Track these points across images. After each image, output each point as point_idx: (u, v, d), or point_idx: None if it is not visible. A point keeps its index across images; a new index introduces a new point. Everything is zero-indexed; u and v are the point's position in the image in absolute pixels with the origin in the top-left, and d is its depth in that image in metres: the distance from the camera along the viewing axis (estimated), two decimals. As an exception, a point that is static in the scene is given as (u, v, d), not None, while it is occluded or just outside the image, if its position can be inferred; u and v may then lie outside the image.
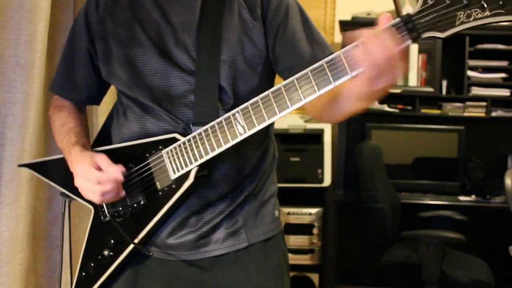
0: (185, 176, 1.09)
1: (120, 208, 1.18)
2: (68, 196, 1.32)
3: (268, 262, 1.21)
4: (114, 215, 1.18)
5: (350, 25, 3.50)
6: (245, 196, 1.20)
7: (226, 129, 1.02)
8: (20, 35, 1.55)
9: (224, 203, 1.17)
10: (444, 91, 3.66)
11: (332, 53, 0.93)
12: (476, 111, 3.62)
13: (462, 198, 3.45)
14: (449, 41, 3.54)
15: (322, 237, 3.37)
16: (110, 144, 1.25)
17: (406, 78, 3.71)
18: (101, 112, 1.94)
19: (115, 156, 1.15)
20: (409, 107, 3.67)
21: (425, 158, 3.70)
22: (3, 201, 1.55)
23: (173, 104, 1.14)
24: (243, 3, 1.17)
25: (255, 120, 0.98)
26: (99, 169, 1.11)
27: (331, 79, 0.89)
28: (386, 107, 3.63)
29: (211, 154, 1.05)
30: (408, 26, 0.82)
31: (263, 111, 0.97)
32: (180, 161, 1.09)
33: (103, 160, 1.12)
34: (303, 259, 3.31)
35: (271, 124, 1.26)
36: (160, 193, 1.13)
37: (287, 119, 3.35)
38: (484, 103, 3.59)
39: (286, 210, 3.29)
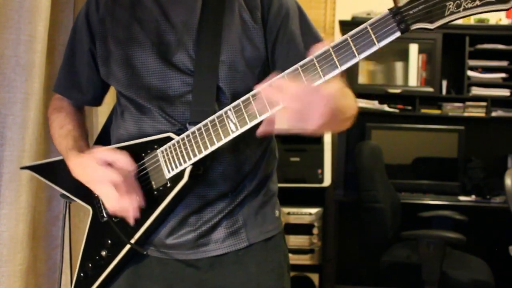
0: (180, 175, 1.09)
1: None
2: (69, 198, 1.32)
3: (269, 262, 1.21)
4: (111, 215, 1.18)
5: (350, 25, 3.49)
6: (245, 195, 1.20)
7: (219, 127, 1.02)
8: (20, 35, 1.55)
9: (224, 202, 1.17)
10: (444, 91, 3.66)
11: None
12: (476, 111, 3.62)
13: (462, 198, 3.45)
14: (449, 41, 3.55)
15: (322, 237, 3.37)
16: (110, 145, 1.25)
17: (406, 78, 3.71)
18: (101, 113, 1.94)
19: None
20: (409, 107, 3.67)
21: (425, 158, 3.70)
22: (3, 201, 1.55)
23: (170, 104, 1.14)
24: (243, 4, 1.17)
25: (246, 118, 0.98)
26: (107, 163, 1.10)
27: (320, 74, 0.88)
28: (386, 107, 3.64)
29: (205, 153, 1.05)
30: (397, 18, 0.81)
31: (255, 108, 0.97)
32: (174, 160, 1.09)
33: (102, 152, 1.11)
34: (303, 259, 3.31)
35: (271, 124, 1.27)
36: (155, 192, 1.13)
37: (287, 119, 3.35)
38: (484, 103, 3.59)
39: (286, 210, 3.28)
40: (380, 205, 2.93)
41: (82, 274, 1.23)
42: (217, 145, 1.03)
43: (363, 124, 3.67)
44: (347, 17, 3.63)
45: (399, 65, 3.72)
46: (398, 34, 0.82)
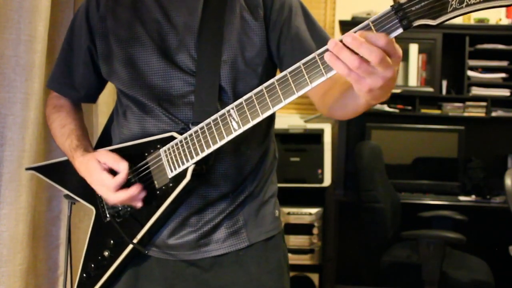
0: (182, 175, 1.09)
1: (120, 208, 1.18)
2: (72, 198, 1.32)
3: (269, 261, 1.21)
4: (114, 215, 1.18)
5: (350, 25, 3.46)
6: (246, 196, 1.20)
7: (221, 126, 1.02)
8: (20, 35, 1.55)
9: (225, 203, 1.17)
10: (444, 91, 3.66)
11: None
12: (476, 111, 3.62)
13: (462, 198, 3.45)
14: (449, 41, 3.55)
15: (322, 237, 3.37)
16: (111, 145, 1.25)
17: (406, 78, 3.71)
18: (101, 113, 1.94)
19: None
20: (409, 107, 3.67)
21: (425, 158, 3.70)
22: (3, 201, 1.55)
23: (172, 104, 1.15)
24: (244, 4, 1.18)
25: (249, 116, 0.98)
26: (109, 168, 1.13)
27: (323, 71, 0.87)
28: (386, 107, 3.63)
29: (207, 151, 1.05)
30: (399, 14, 0.81)
31: (257, 106, 0.96)
32: (177, 159, 1.09)
33: (104, 156, 1.14)
34: (303, 259, 3.31)
35: (272, 124, 1.27)
36: (158, 192, 1.13)
37: (287, 119, 3.36)
38: (484, 103, 3.59)
39: (286, 210, 3.28)
40: (380, 205, 2.93)
41: (84, 275, 1.23)
42: (220, 143, 1.03)
43: (363, 124, 3.67)
44: (347, 17, 3.63)
45: (399, 65, 3.72)
46: (400, 30, 0.81)
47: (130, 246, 1.16)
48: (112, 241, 1.19)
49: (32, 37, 1.57)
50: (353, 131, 3.73)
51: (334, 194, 3.54)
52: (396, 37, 0.83)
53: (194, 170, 1.08)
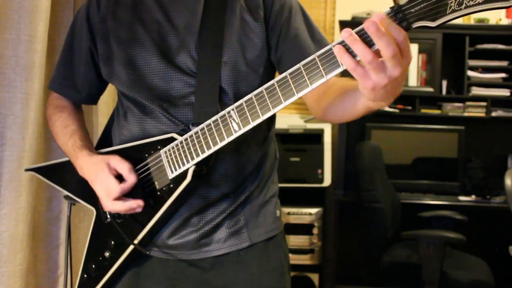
0: (183, 176, 1.09)
1: (121, 210, 1.18)
2: (72, 199, 1.32)
3: (270, 261, 1.22)
4: (114, 216, 1.18)
5: (350, 25, 3.44)
6: (247, 196, 1.20)
7: (222, 127, 1.02)
8: (20, 35, 1.55)
9: (226, 203, 1.17)
10: (444, 91, 3.66)
11: None
12: (476, 111, 3.62)
13: (462, 198, 3.45)
14: (449, 41, 3.55)
15: (322, 237, 3.37)
16: (112, 146, 1.25)
17: (406, 78, 3.71)
18: (101, 113, 1.94)
19: None
20: (409, 107, 3.67)
21: (425, 158, 3.70)
22: (3, 201, 1.55)
23: (173, 105, 1.15)
24: (244, 5, 1.18)
25: (249, 117, 0.98)
26: (116, 175, 1.12)
27: (323, 72, 0.88)
28: (386, 107, 3.63)
29: (208, 152, 1.05)
30: (399, 16, 0.81)
31: (257, 107, 0.96)
32: (177, 160, 1.09)
33: (117, 163, 1.13)
34: (303, 259, 3.31)
35: (272, 125, 1.27)
36: (158, 193, 1.13)
37: (287, 119, 3.36)
38: (484, 103, 3.59)
39: (286, 210, 3.28)
40: (380, 205, 2.93)
41: (85, 276, 1.23)
42: (220, 145, 1.03)
43: (363, 124, 3.67)
44: (347, 17, 3.63)
45: (399, 65, 3.72)
46: None
47: (131, 247, 1.16)
48: (113, 242, 1.19)
49: (32, 37, 1.57)
50: (353, 131, 3.73)
51: (334, 194, 3.54)
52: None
53: (194, 171, 1.08)
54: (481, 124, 3.71)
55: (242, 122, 0.99)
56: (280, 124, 3.06)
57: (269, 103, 0.95)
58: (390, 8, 0.82)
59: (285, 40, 1.16)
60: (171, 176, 1.10)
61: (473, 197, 3.46)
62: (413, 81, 3.69)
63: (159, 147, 1.12)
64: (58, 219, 1.86)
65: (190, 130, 1.09)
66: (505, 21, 3.64)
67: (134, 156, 1.14)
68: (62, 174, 1.32)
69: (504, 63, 3.59)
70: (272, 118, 1.26)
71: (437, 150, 3.68)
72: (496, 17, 3.63)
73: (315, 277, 3.34)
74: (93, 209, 1.25)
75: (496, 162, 3.69)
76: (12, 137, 1.56)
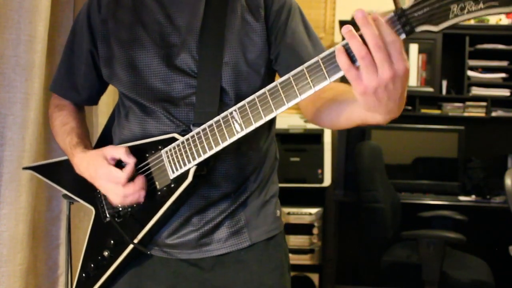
0: (184, 176, 1.09)
1: (120, 209, 1.18)
2: (71, 198, 1.32)
3: (270, 261, 1.22)
4: (114, 215, 1.18)
5: (350, 25, 3.49)
6: (247, 196, 1.20)
7: (224, 128, 1.02)
8: (20, 35, 1.55)
9: (226, 203, 1.18)
10: (444, 91, 3.66)
11: None
12: (476, 111, 3.62)
13: (462, 198, 3.45)
14: (449, 41, 3.55)
15: (322, 237, 3.37)
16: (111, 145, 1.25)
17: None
18: (101, 112, 1.94)
19: None
20: (409, 107, 3.67)
21: (425, 158, 3.70)
22: (3, 201, 1.55)
23: (174, 105, 1.15)
24: (245, 5, 1.18)
25: (252, 118, 0.98)
26: (115, 162, 1.12)
27: (326, 75, 0.88)
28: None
29: (209, 153, 1.05)
30: (402, 20, 0.82)
31: (260, 108, 0.97)
32: (178, 161, 1.09)
33: (113, 151, 1.13)
34: (303, 259, 3.31)
35: (273, 126, 1.27)
36: (159, 192, 1.13)
37: (287, 119, 3.36)
38: (484, 103, 3.59)
39: (286, 210, 3.29)
40: (380, 205, 2.93)
41: (83, 275, 1.23)
42: (222, 145, 1.03)
43: (363, 124, 3.66)
44: (347, 17, 3.63)
45: (399, 65, 3.72)
46: (403, 36, 0.82)
47: (131, 246, 1.16)
48: (112, 241, 1.19)
49: (32, 37, 1.57)
50: (353, 131, 3.73)
51: (334, 194, 3.55)
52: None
53: (195, 171, 1.08)
54: (481, 124, 3.71)
55: (245, 123, 0.99)
56: (280, 124, 3.06)
57: (272, 104, 0.95)
58: (393, 12, 0.82)
59: (282, 39, 1.17)
60: (172, 176, 1.10)
61: (473, 197, 3.46)
62: (413, 81, 3.69)
63: (160, 147, 1.12)
64: (58, 219, 1.86)
65: (191, 130, 1.09)
66: (505, 21, 3.64)
67: (135, 156, 1.15)
68: (61, 173, 1.32)
69: (504, 63, 3.60)
70: (273, 119, 1.26)
71: (437, 150, 3.68)
72: (496, 17, 3.63)
73: (315, 277, 3.34)
74: (92, 208, 1.25)
75: (496, 162, 3.69)
76: (12, 137, 1.56)
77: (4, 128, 1.55)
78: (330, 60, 0.87)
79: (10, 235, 1.56)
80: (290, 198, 3.18)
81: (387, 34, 0.80)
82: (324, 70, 0.88)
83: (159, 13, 1.17)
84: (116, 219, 1.18)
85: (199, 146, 1.06)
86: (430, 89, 3.63)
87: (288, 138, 3.35)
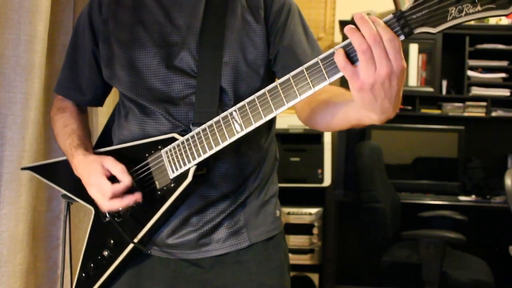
0: (183, 175, 1.09)
1: (120, 208, 1.18)
2: (70, 198, 1.32)
3: (270, 261, 1.22)
4: (114, 215, 1.19)
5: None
6: (247, 196, 1.20)
7: (224, 128, 1.02)
8: (20, 35, 1.55)
9: (226, 203, 1.18)
10: (444, 91, 3.66)
11: None
12: (476, 111, 3.62)
13: (462, 198, 3.45)
14: (449, 41, 3.55)
15: (322, 237, 3.37)
16: (111, 145, 1.25)
17: (406, 78, 3.70)
18: (101, 113, 1.94)
19: (115, 157, 1.15)
20: (409, 107, 3.67)
21: (425, 158, 3.70)
22: (3, 201, 1.55)
23: (173, 105, 1.15)
24: (246, 5, 1.18)
25: (251, 118, 0.99)
26: (110, 176, 1.12)
27: (325, 76, 0.89)
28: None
29: (209, 153, 1.05)
30: (401, 22, 0.83)
31: (260, 109, 0.97)
32: (178, 160, 1.09)
33: (110, 164, 1.13)
34: (303, 259, 3.31)
35: (273, 126, 1.27)
36: (159, 192, 1.13)
37: (287, 119, 3.36)
38: (484, 103, 3.59)
39: (286, 210, 3.29)
40: (380, 205, 2.93)
41: (83, 274, 1.23)
42: (222, 145, 1.03)
43: (363, 124, 3.66)
44: (347, 17, 3.63)
45: (399, 65, 3.72)
46: (402, 37, 0.83)
47: (130, 246, 1.16)
48: (112, 241, 1.19)
49: (32, 37, 1.57)
50: (353, 131, 3.73)
51: (334, 194, 3.55)
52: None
53: (196, 171, 1.08)
54: (481, 124, 3.71)
55: (244, 123, 1.00)
56: (280, 124, 3.06)
57: (271, 104, 0.96)
58: (393, 14, 0.83)
59: (281, 40, 1.17)
60: (172, 175, 1.11)
61: (473, 197, 3.46)
62: (413, 81, 3.69)
63: (160, 146, 1.13)
64: (58, 219, 1.86)
65: (190, 130, 1.09)
66: (505, 21, 3.64)
67: (135, 156, 1.15)
68: (60, 173, 1.33)
69: (504, 63, 3.60)
70: (273, 119, 1.26)
71: (437, 150, 3.69)
72: (495, 17, 3.63)
73: (315, 277, 3.34)
74: (92, 208, 1.25)
75: (496, 162, 3.69)
76: (12, 137, 1.56)
77: (4, 128, 1.56)
78: (330, 61, 0.88)
79: (10, 235, 1.56)
80: (290, 198, 3.18)
81: (385, 32, 0.81)
82: (324, 71, 0.89)
83: (159, 13, 1.17)
84: (115, 218, 1.18)
85: (199, 146, 1.06)
86: (430, 89, 3.63)
87: (288, 138, 3.35)
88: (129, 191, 1.12)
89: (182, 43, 1.15)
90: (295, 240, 3.30)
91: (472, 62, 3.58)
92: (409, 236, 2.80)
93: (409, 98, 3.65)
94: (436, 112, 3.67)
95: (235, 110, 1.01)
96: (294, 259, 3.18)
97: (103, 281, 1.20)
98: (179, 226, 1.17)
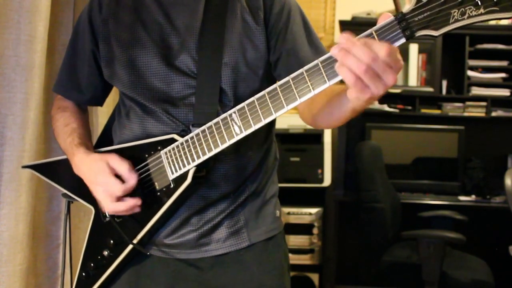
0: (183, 177, 1.09)
1: (124, 212, 1.18)
2: (70, 197, 1.32)
3: (270, 261, 1.22)
4: (113, 215, 1.18)
5: (350, 25, 3.50)
6: (247, 196, 1.20)
7: (223, 130, 1.02)
8: (20, 35, 1.55)
9: (226, 203, 1.18)
10: (444, 91, 3.66)
11: None
12: (476, 111, 3.62)
13: (462, 198, 3.45)
14: (449, 41, 3.55)
15: (322, 237, 3.37)
16: (111, 145, 1.25)
17: (406, 78, 3.71)
18: (101, 112, 1.94)
19: None
20: (409, 107, 3.67)
21: (425, 158, 3.70)
22: (3, 201, 1.55)
23: (173, 105, 1.15)
24: (246, 6, 1.18)
25: (251, 120, 0.98)
26: (116, 174, 1.12)
27: (325, 78, 0.88)
28: (386, 107, 3.64)
29: (209, 155, 1.05)
30: (402, 24, 0.82)
31: (259, 111, 0.97)
32: (178, 162, 1.09)
33: (117, 163, 1.12)
34: (303, 259, 3.31)
35: (273, 126, 1.27)
36: (158, 193, 1.13)
37: (287, 119, 3.36)
38: (484, 103, 3.59)
39: (286, 210, 3.29)
40: (380, 205, 2.93)
41: (83, 274, 1.23)
42: (221, 147, 1.03)
43: (363, 124, 3.67)
44: (347, 17, 3.63)
45: (399, 65, 3.72)
46: (403, 40, 0.82)
47: (130, 246, 1.16)
48: (112, 241, 1.19)
49: (32, 37, 1.57)
50: (353, 131, 3.73)
51: (334, 194, 3.54)
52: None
53: (195, 172, 1.08)
54: (481, 124, 3.71)
55: (244, 126, 0.99)
56: (280, 124, 3.06)
57: (271, 107, 0.96)
58: (394, 16, 0.82)
59: (283, 44, 1.16)
60: (171, 177, 1.10)
61: (473, 197, 3.46)
62: (413, 81, 3.69)
63: (159, 147, 1.13)
64: (58, 219, 1.86)
65: (190, 130, 1.09)
66: (505, 21, 3.64)
67: (134, 156, 1.15)
68: (60, 172, 1.32)
69: (504, 63, 3.60)
70: (273, 119, 1.25)
71: (437, 150, 3.69)
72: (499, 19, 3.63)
73: (315, 277, 3.34)
74: (92, 207, 1.25)
75: (496, 162, 3.69)
76: (12, 137, 1.56)
77: (4, 128, 1.55)
78: (330, 64, 0.87)
79: (10, 235, 1.56)
80: (290, 198, 3.18)
81: (379, 49, 0.79)
82: (324, 74, 0.88)
83: (159, 13, 1.17)
84: (115, 219, 1.18)
85: (198, 147, 1.06)
86: (430, 89, 3.63)
87: (288, 138, 3.35)
88: (131, 193, 1.12)
89: (182, 44, 1.15)
90: (295, 240, 3.30)
91: (472, 62, 3.58)
92: (409, 236, 2.80)
93: (409, 98, 3.65)
94: (436, 112, 3.67)
95: (234, 112, 1.01)
96: (294, 259, 3.18)
97: (103, 281, 1.20)
98: (179, 226, 1.17)
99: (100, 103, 1.36)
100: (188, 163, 1.08)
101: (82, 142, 1.22)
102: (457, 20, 0.79)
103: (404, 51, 3.66)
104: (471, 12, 0.77)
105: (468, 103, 3.62)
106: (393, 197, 3.21)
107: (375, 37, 0.83)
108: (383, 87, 0.82)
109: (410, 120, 3.70)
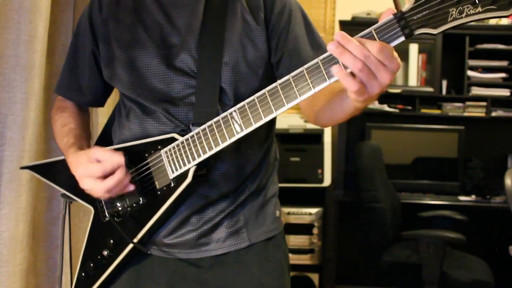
0: (183, 176, 1.09)
1: (120, 208, 1.18)
2: (69, 197, 1.32)
3: (270, 261, 1.22)
4: (113, 215, 1.19)
5: (350, 25, 3.51)
6: (246, 196, 1.20)
7: (224, 128, 1.02)
8: (20, 35, 1.55)
9: (225, 202, 1.18)
10: (444, 91, 3.67)
11: None
12: (476, 111, 3.62)
13: (462, 198, 3.45)
14: (449, 41, 3.55)
15: (322, 237, 3.37)
16: (111, 145, 1.25)
17: (406, 78, 3.72)
18: (101, 112, 1.94)
19: None
20: (409, 107, 3.67)
21: (425, 158, 3.71)
22: (3, 201, 1.55)
23: (173, 105, 1.15)
24: (246, 6, 1.18)
25: (251, 119, 0.99)
26: (98, 161, 1.11)
27: (325, 76, 0.89)
28: (386, 107, 3.64)
29: (209, 153, 1.05)
30: (401, 23, 0.83)
31: (260, 109, 0.97)
32: (178, 161, 1.09)
33: (98, 151, 1.12)
34: (303, 259, 3.31)
35: (273, 125, 1.27)
36: (159, 192, 1.13)
37: (287, 119, 3.36)
38: (484, 103, 3.59)
39: (286, 210, 3.29)
40: (380, 205, 2.93)
41: (83, 274, 1.23)
42: (222, 145, 1.03)
43: (363, 124, 3.67)
44: (347, 17, 3.63)
45: (399, 65, 3.73)
46: (402, 38, 0.83)
47: (130, 246, 1.16)
48: (111, 241, 1.19)
49: (32, 37, 1.57)
50: (353, 131, 3.73)
51: (334, 194, 3.55)
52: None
53: (195, 171, 1.08)
54: (481, 124, 3.71)
55: (244, 124, 1.00)
56: (280, 124, 3.06)
57: (271, 105, 0.96)
58: (393, 15, 0.83)
59: (285, 44, 1.17)
60: (171, 176, 1.11)
61: (473, 197, 3.46)
62: (413, 81, 3.69)
63: (159, 147, 1.13)
64: (58, 219, 1.86)
65: (190, 130, 1.09)
66: (505, 21, 3.64)
67: (134, 155, 1.15)
68: (59, 172, 1.32)
69: (504, 63, 3.60)
70: (273, 119, 1.26)
71: (437, 150, 3.69)
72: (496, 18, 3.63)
73: (315, 277, 3.34)
74: (91, 207, 1.25)
75: (496, 162, 3.70)
76: (12, 137, 1.56)
77: (4, 128, 1.56)
78: (330, 62, 0.88)
79: (10, 235, 1.56)
80: (290, 198, 3.19)
81: (371, 46, 0.82)
82: (324, 72, 0.88)
83: (159, 13, 1.17)
84: (115, 218, 1.18)
85: (198, 146, 1.06)
86: (430, 89, 3.63)
87: (288, 138, 3.35)
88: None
89: (182, 43, 1.15)
90: (295, 240, 3.30)
91: (472, 62, 3.59)
92: (409, 236, 2.80)
93: (409, 98, 3.65)
94: (436, 112, 3.68)
95: (235, 111, 1.01)
96: (294, 259, 3.18)
97: (103, 281, 1.20)
98: (178, 226, 1.17)
99: (101, 104, 1.36)
100: (189, 162, 1.08)
101: (75, 142, 1.22)
102: (455, 19, 0.80)
103: (404, 51, 3.66)
104: (469, 10, 0.78)
105: (468, 103, 3.62)
106: (393, 197, 3.21)
107: (375, 35, 0.84)
108: (378, 85, 0.83)
109: (410, 120, 3.70)
